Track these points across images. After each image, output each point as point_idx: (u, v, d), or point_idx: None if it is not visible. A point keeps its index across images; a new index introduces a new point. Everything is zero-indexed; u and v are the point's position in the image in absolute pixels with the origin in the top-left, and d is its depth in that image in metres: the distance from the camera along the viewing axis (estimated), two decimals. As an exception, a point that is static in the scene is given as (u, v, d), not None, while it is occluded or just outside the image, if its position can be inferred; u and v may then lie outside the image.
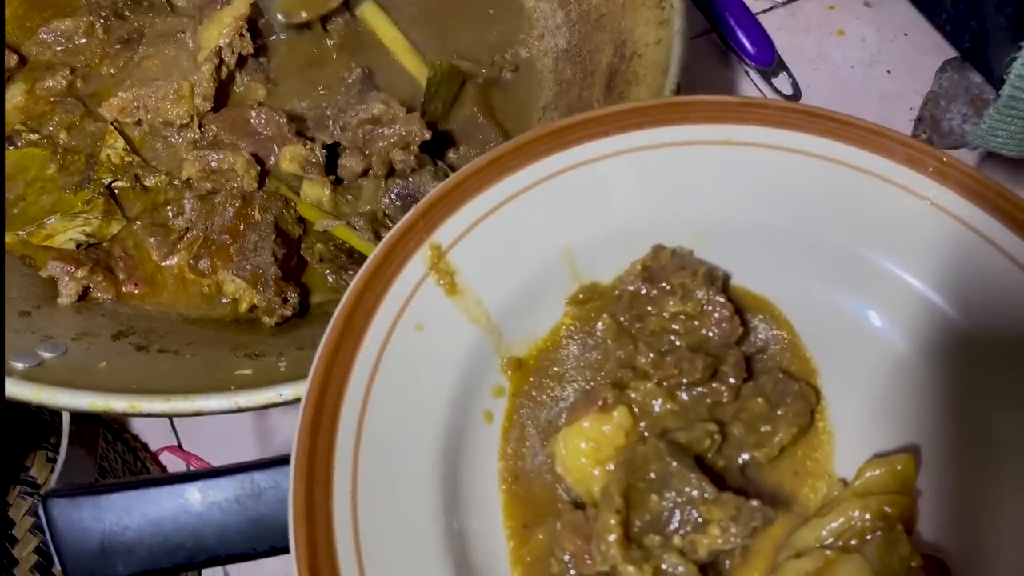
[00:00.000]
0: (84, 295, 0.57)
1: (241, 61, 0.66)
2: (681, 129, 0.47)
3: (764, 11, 1.05)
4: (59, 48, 0.66)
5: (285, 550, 0.40)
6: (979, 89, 0.98)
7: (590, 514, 0.40)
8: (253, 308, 0.59)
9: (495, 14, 0.73)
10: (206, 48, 0.62)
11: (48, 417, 0.68)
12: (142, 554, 0.41)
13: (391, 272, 0.44)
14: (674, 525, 0.38)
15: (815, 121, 0.48)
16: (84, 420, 0.49)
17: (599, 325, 0.46)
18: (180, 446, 0.84)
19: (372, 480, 0.39)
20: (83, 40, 0.66)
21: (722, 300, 0.44)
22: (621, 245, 0.47)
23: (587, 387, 0.45)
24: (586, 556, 0.39)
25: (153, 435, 0.84)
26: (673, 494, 0.39)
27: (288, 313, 0.57)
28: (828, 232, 0.47)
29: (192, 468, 0.79)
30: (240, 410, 0.46)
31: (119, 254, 0.59)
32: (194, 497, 0.42)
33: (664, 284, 0.45)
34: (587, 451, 0.41)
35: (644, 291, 0.45)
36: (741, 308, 0.47)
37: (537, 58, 0.72)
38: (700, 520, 0.38)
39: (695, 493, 0.38)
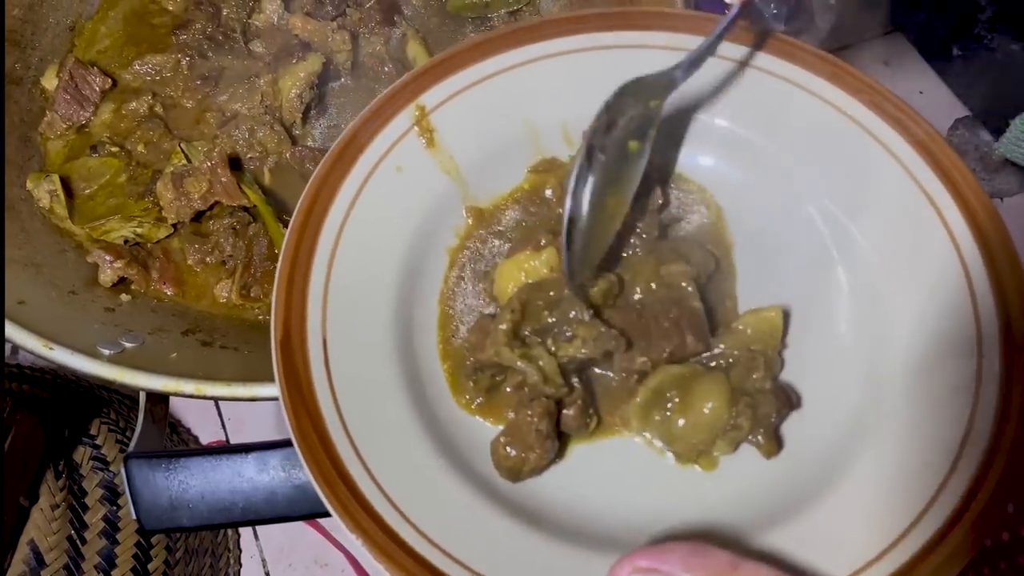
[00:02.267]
0: (121, 282, 0.65)
1: (306, 110, 0.74)
2: (639, 34, 0.56)
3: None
4: (148, 78, 0.75)
5: (323, 514, 0.48)
6: (988, 147, 1.04)
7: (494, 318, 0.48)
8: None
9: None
10: (284, 96, 0.71)
11: (106, 394, 0.77)
12: (203, 510, 0.48)
13: (381, 121, 0.53)
14: (552, 334, 0.47)
15: (746, 36, 0.56)
16: (156, 400, 0.57)
17: (548, 191, 0.55)
18: (227, 440, 0.92)
19: (344, 278, 0.48)
20: (170, 74, 0.75)
21: (649, 178, 0.51)
22: (579, 128, 0.53)
23: (526, 233, 0.53)
24: (482, 345, 0.47)
25: (204, 430, 0.92)
26: (560, 313, 0.47)
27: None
28: (751, 129, 0.55)
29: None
30: (289, 398, 0.54)
31: (158, 255, 0.67)
32: (248, 465, 0.49)
33: None
34: (517, 278, 0.50)
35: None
36: (680, 191, 0.55)
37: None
38: (570, 334, 0.46)
39: (574, 315, 0.47)
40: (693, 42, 0.54)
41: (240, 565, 0.83)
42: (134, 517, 0.48)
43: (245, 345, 0.62)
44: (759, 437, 0.47)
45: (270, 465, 0.49)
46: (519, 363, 0.46)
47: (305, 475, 0.47)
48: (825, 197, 0.53)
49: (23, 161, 0.70)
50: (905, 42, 1.14)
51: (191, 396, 0.54)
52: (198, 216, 0.68)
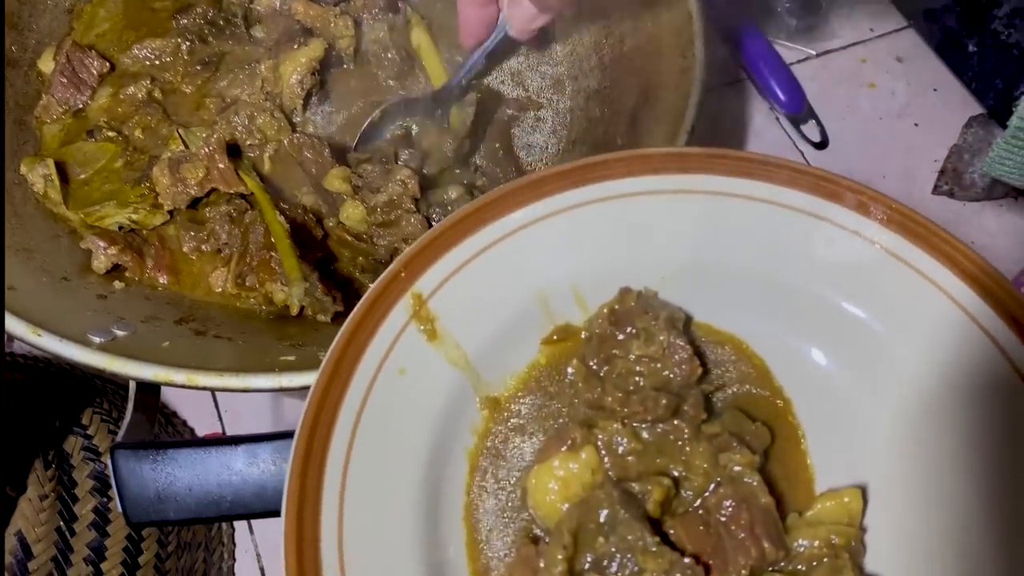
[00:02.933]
0: (114, 270, 0.64)
1: (307, 96, 0.73)
2: (647, 180, 0.51)
3: (798, 62, 1.10)
4: (147, 62, 0.74)
5: (312, 509, 0.46)
6: (1003, 146, 1.02)
7: (541, 549, 0.43)
8: (303, 309, 0.65)
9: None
10: (285, 82, 0.70)
11: (99, 383, 0.76)
12: (190, 503, 0.47)
13: (376, 319, 0.46)
14: (614, 568, 0.41)
15: (771, 170, 0.51)
16: (147, 390, 0.56)
17: (569, 368, 0.49)
18: (224, 433, 0.91)
19: (357, 515, 0.42)
20: (169, 59, 0.74)
21: (682, 343, 0.47)
22: (592, 288, 0.50)
23: (556, 427, 0.48)
24: None
25: (200, 421, 0.91)
26: (617, 539, 0.41)
27: (339, 308, 0.63)
28: (783, 273, 0.50)
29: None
30: (282, 389, 0.53)
31: (154, 242, 0.66)
32: (237, 458, 0.48)
33: (629, 328, 0.47)
34: (556, 489, 0.44)
35: (611, 335, 0.48)
36: (707, 344, 0.51)
37: (570, 96, 0.78)
38: (637, 568, 0.41)
39: (637, 541, 0.41)
40: (710, 183, 0.50)
41: (234, 560, 0.82)
42: (120, 509, 0.47)
43: (240, 335, 0.61)
44: None
45: (260, 458, 0.48)
46: None
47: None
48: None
49: (18, 145, 0.69)
50: (918, 38, 1.12)
51: (182, 386, 0.53)
52: (195, 203, 0.67)
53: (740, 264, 0.50)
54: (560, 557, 0.41)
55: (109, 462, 0.48)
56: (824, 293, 0.50)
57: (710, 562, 0.42)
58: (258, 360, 0.56)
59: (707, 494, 0.45)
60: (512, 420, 0.49)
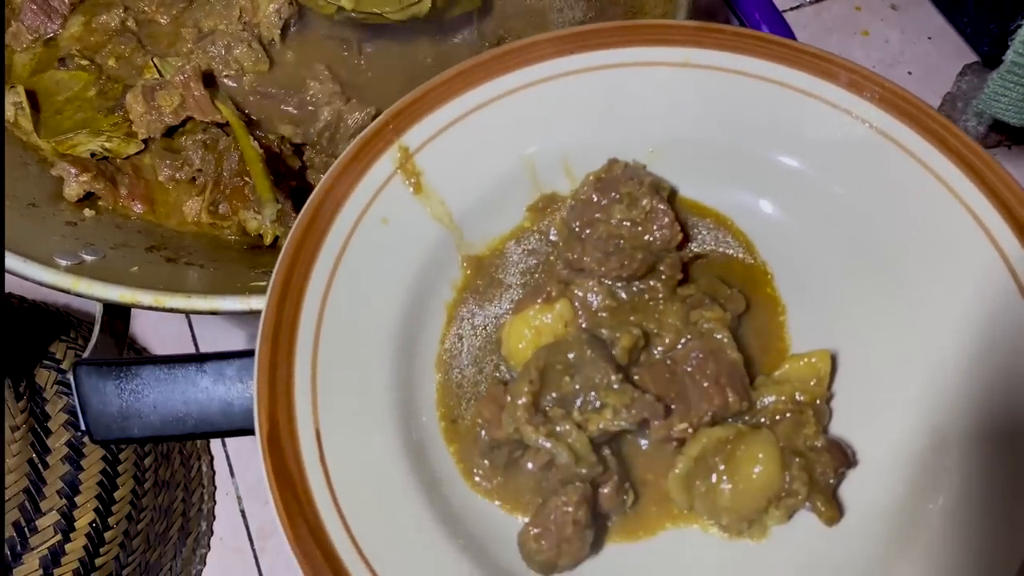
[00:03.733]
0: (87, 198, 0.62)
1: (284, 26, 0.70)
2: (641, 50, 0.50)
3: (791, 9, 1.08)
4: (121, -10, 0.72)
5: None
6: (997, 94, 1.00)
7: (509, 387, 0.43)
8: (276, 240, 0.63)
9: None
10: (262, 11, 0.68)
11: (74, 320, 0.75)
12: (155, 421, 0.46)
13: (360, 168, 0.47)
14: (577, 403, 0.42)
15: (768, 47, 0.50)
16: (115, 314, 0.55)
17: (552, 229, 0.50)
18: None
19: (333, 356, 0.43)
20: (143, -14, 0.72)
21: (663, 208, 0.47)
22: (580, 158, 0.50)
23: (533, 283, 0.49)
24: (498, 421, 0.43)
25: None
26: (583, 378, 0.42)
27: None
28: (775, 151, 0.50)
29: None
30: (252, 312, 0.52)
31: (128, 171, 0.64)
32: (204, 376, 0.47)
33: (614, 193, 0.48)
34: (529, 336, 0.45)
35: (595, 199, 0.48)
36: (689, 217, 0.51)
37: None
38: (599, 403, 0.41)
39: (601, 380, 0.42)
40: (704, 57, 0.49)
41: (214, 502, 0.81)
42: (83, 427, 0.46)
43: (211, 263, 0.59)
44: (817, 503, 0.42)
45: (227, 375, 0.47)
46: (546, 442, 0.41)
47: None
48: (877, 232, 0.48)
49: (-13, 72, 0.67)
50: (914, -17, 1.10)
51: (149, 307, 0.52)
52: (170, 132, 0.65)
53: (731, 141, 0.50)
54: (526, 390, 0.41)
55: (70, 377, 0.47)
56: (815, 173, 0.50)
57: (672, 406, 0.43)
58: (228, 285, 0.55)
59: (677, 349, 0.45)
60: (491, 276, 0.49)
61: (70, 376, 0.46)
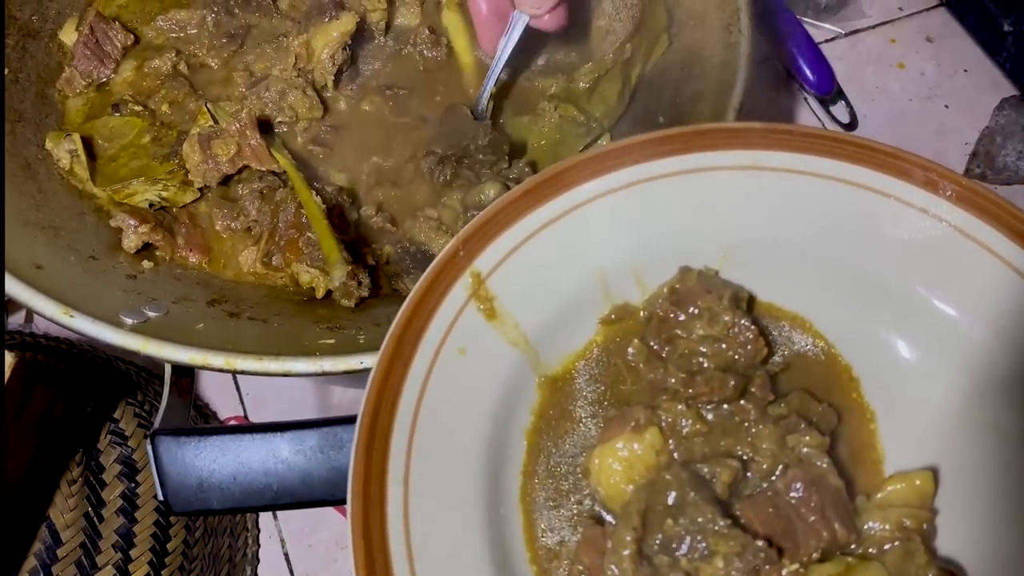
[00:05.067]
0: (144, 249, 0.62)
1: (337, 72, 0.70)
2: (709, 155, 0.49)
3: (826, 41, 1.08)
4: (172, 35, 0.72)
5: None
6: (1036, 128, 1.00)
7: (607, 530, 0.42)
8: (329, 293, 0.63)
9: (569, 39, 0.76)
10: (316, 57, 0.67)
11: (135, 378, 0.74)
12: (234, 492, 0.46)
13: (436, 298, 0.46)
14: (684, 550, 0.40)
15: (837, 146, 0.49)
16: (182, 374, 0.54)
17: (630, 349, 0.48)
18: (246, 416, 0.89)
19: (421, 497, 0.42)
20: (194, 31, 0.71)
21: (747, 323, 0.46)
22: (651, 267, 0.49)
23: (615, 408, 0.47)
24: (600, 569, 0.41)
25: (223, 405, 0.89)
26: (687, 521, 0.41)
27: (365, 294, 0.61)
28: (848, 252, 0.49)
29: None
30: (324, 374, 0.51)
31: (184, 220, 0.64)
32: (283, 445, 0.46)
33: (692, 308, 0.47)
34: (619, 470, 0.43)
35: (673, 315, 0.47)
36: (770, 323, 0.50)
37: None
38: (708, 550, 0.40)
39: (708, 524, 0.40)
40: (772, 159, 0.49)
41: (258, 545, 0.80)
42: (161, 498, 0.46)
43: (273, 317, 0.59)
44: None
45: (307, 445, 0.46)
46: None
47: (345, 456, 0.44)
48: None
49: (40, 119, 0.66)
50: (949, 17, 1.10)
51: (220, 370, 0.51)
52: (226, 180, 0.65)
53: (803, 242, 0.49)
54: (629, 539, 0.40)
55: (147, 448, 0.46)
56: (892, 273, 0.49)
57: (781, 545, 0.41)
58: (294, 343, 0.54)
59: (774, 477, 0.44)
60: (570, 400, 0.48)
61: (139, 442, 0.46)
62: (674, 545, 0.41)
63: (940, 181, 0.48)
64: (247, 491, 0.46)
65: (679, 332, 0.47)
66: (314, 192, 0.62)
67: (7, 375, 0.50)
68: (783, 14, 1.05)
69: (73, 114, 0.68)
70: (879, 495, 0.45)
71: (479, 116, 0.69)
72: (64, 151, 0.64)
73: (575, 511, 0.45)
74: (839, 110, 1.03)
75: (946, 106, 1.05)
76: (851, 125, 1.03)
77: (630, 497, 0.42)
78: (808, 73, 1.03)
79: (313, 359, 0.51)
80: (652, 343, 0.47)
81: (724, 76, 0.62)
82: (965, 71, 1.07)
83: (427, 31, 0.73)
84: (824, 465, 0.43)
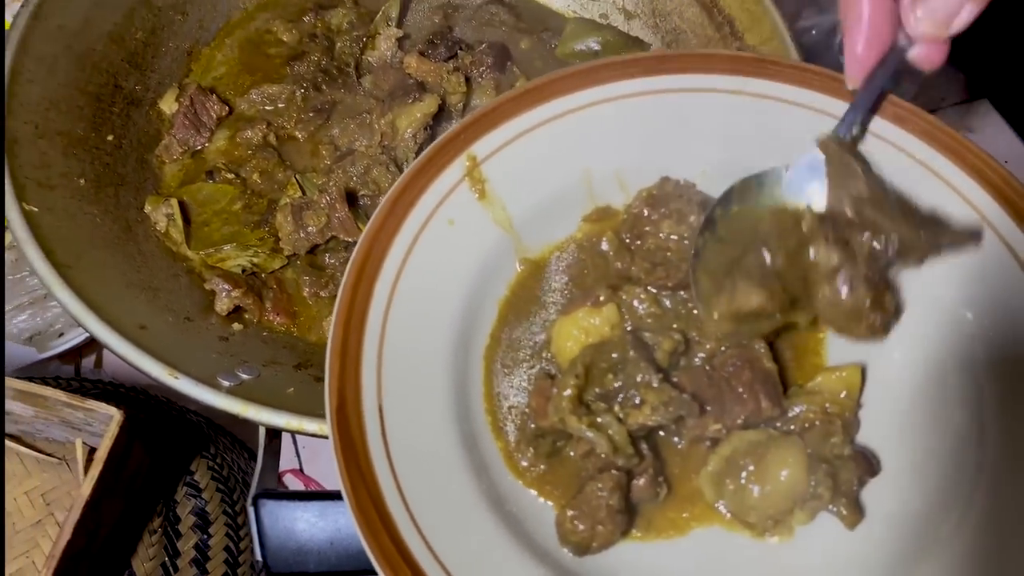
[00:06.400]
0: (234, 311, 0.66)
1: (418, 150, 0.74)
2: (700, 78, 0.54)
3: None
4: (263, 107, 0.76)
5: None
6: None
7: (556, 382, 0.47)
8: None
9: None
10: (399, 135, 0.71)
11: (205, 430, 0.77)
12: (331, 556, 0.48)
13: (432, 173, 0.51)
14: (619, 399, 0.46)
15: (820, 79, 0.53)
16: (273, 436, 0.57)
17: (604, 240, 0.53)
18: (302, 470, 0.92)
19: (398, 340, 0.47)
20: (283, 104, 0.76)
21: None
22: (635, 175, 0.53)
23: (579, 290, 0.52)
24: (544, 413, 0.46)
25: (280, 458, 0.92)
26: (625, 376, 0.45)
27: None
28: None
29: (309, 490, 0.86)
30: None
31: (272, 285, 0.68)
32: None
33: (664, 209, 0.51)
34: (576, 336, 0.48)
35: (647, 214, 0.51)
36: None
37: None
38: (639, 400, 0.45)
39: (643, 379, 0.45)
40: (758, 86, 0.53)
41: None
42: (260, 559, 0.48)
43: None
44: (840, 507, 0.46)
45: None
46: (587, 432, 0.44)
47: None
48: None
49: (140, 183, 0.70)
50: (990, 108, 1.13)
51: (313, 435, 0.54)
52: (313, 249, 0.68)
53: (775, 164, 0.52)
54: (572, 383, 0.45)
55: (251, 510, 0.49)
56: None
57: (708, 408, 0.46)
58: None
59: (716, 357, 0.48)
60: (540, 284, 0.53)
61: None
62: (610, 395, 0.46)
63: (907, 115, 0.53)
64: (343, 556, 0.48)
65: (649, 229, 0.51)
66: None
67: (115, 432, 0.53)
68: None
69: (169, 179, 0.72)
70: (810, 384, 0.49)
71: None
72: (162, 214, 0.67)
73: (528, 376, 0.50)
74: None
75: (987, 196, 1.07)
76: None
77: (577, 353, 0.47)
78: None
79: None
80: (625, 236, 0.52)
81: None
82: (1006, 162, 1.10)
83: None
84: (761, 350, 0.48)
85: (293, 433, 0.54)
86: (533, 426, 0.48)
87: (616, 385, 0.46)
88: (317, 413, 0.55)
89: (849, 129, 0.51)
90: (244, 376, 0.58)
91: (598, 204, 0.54)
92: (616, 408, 0.45)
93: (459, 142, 0.52)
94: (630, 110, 0.54)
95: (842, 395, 0.49)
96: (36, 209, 0.59)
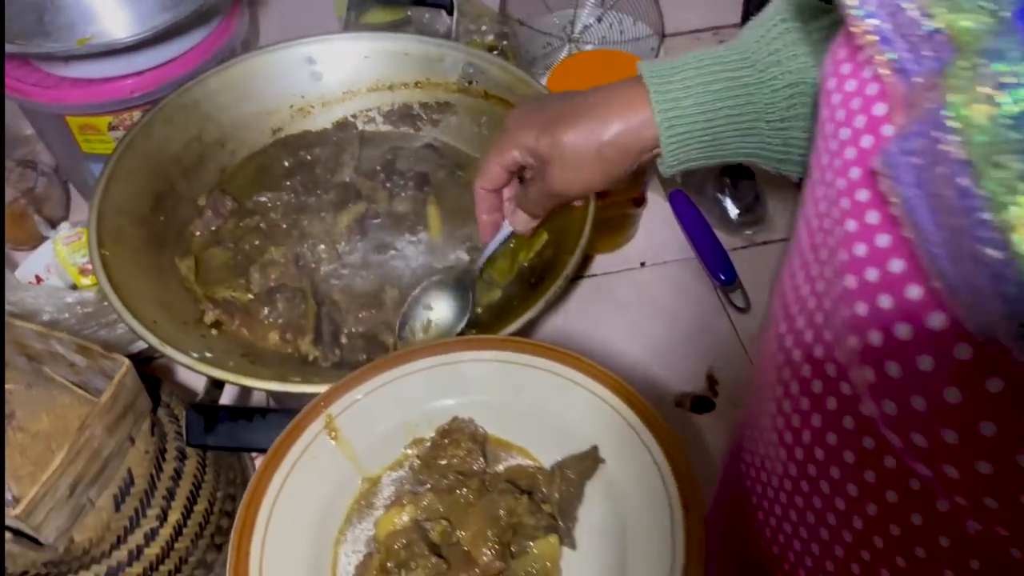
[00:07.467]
0: (215, 324, 1.02)
1: (350, 235, 1.15)
2: (475, 353, 0.75)
3: (741, 248, 1.41)
4: (261, 206, 1.14)
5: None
6: None
7: (371, 558, 0.66)
8: (315, 357, 1.03)
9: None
10: (339, 227, 1.13)
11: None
12: (226, 440, 0.85)
13: (302, 427, 0.70)
14: (410, 567, 0.63)
15: (540, 350, 0.75)
16: (215, 385, 0.95)
17: (415, 462, 0.74)
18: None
19: (275, 540, 0.65)
20: (275, 204, 1.14)
21: (476, 448, 0.71)
22: (438, 416, 0.74)
23: (400, 494, 0.71)
24: None
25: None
26: (408, 551, 0.65)
27: (336, 360, 1.02)
28: (547, 408, 0.73)
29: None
30: (288, 394, 0.91)
31: (240, 309, 1.03)
32: (270, 425, 0.87)
33: (450, 439, 0.72)
34: (387, 527, 0.67)
35: (442, 442, 0.72)
36: (501, 450, 0.74)
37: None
38: (415, 567, 0.63)
39: (418, 551, 0.64)
40: (507, 356, 0.75)
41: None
42: (184, 437, 0.85)
43: (276, 366, 0.99)
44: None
45: (273, 424, 0.86)
46: None
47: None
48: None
49: (175, 245, 1.10)
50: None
51: (235, 383, 0.91)
52: (270, 291, 1.08)
53: (523, 405, 0.75)
54: (377, 559, 0.65)
55: (184, 414, 0.86)
56: (560, 419, 0.74)
57: (453, 565, 0.64)
58: (282, 377, 0.94)
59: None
60: (376, 494, 0.73)
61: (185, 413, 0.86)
62: (402, 565, 0.64)
63: (589, 367, 0.73)
64: (232, 440, 0.85)
65: (442, 452, 0.72)
66: (315, 303, 1.04)
67: (122, 376, 0.92)
68: (703, 230, 1.40)
69: (195, 246, 1.13)
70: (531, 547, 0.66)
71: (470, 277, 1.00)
72: (185, 266, 1.09)
73: (365, 553, 0.68)
74: (737, 297, 1.33)
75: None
76: (745, 309, 1.33)
77: (384, 539, 0.66)
78: (719, 273, 1.34)
79: (290, 383, 0.90)
80: (430, 458, 0.72)
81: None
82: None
83: (413, 215, 1.17)
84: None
85: (226, 382, 0.91)
86: None
87: (405, 558, 0.64)
88: (248, 375, 0.92)
89: (480, 266, 0.97)
90: (208, 355, 0.97)
91: (415, 436, 0.75)
92: (403, 573, 0.64)
93: (320, 406, 0.72)
94: (431, 375, 0.75)
95: (548, 560, 0.65)
96: (108, 253, 1.01)
